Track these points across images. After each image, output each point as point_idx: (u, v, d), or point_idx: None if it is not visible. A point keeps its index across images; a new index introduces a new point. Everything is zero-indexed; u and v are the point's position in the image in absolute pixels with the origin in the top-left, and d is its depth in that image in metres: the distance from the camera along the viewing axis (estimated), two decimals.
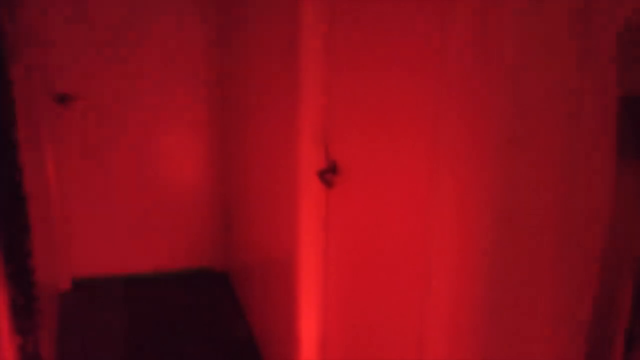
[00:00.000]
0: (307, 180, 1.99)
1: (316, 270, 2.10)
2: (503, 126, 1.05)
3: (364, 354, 1.80)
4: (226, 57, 3.31)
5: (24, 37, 2.76)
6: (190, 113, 3.53)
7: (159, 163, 3.57)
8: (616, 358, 0.88)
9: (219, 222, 3.69)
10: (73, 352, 2.93)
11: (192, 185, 3.65)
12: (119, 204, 3.56)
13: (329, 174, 1.87)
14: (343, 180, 1.84)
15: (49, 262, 2.93)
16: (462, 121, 1.14)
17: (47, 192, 3.21)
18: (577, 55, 0.91)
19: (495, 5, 1.04)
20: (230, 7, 3.15)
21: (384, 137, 1.54)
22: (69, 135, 3.37)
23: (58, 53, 3.25)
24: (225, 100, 3.41)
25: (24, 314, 1.95)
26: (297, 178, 2.04)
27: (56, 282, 3.34)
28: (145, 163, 3.54)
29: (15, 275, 1.91)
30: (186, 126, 3.55)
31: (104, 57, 3.33)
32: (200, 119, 3.54)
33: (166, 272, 3.71)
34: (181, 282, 3.66)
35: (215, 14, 3.37)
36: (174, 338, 3.09)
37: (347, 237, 1.88)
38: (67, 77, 3.29)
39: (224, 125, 3.49)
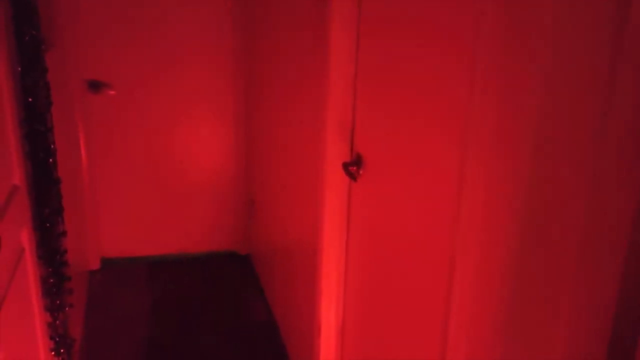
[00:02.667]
0: (332, 173, 1.99)
1: (338, 260, 2.12)
2: (533, 127, 1.04)
3: (382, 343, 1.81)
4: (254, 49, 3.32)
5: (60, 25, 2.82)
6: (217, 102, 3.57)
7: (186, 151, 3.62)
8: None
9: (242, 207, 3.74)
10: (99, 328, 3.01)
11: (217, 172, 3.70)
12: (147, 189, 3.63)
13: (353, 166, 1.88)
14: (367, 174, 1.85)
15: (79, 242, 3.00)
16: (494, 120, 1.13)
17: (79, 175, 3.28)
18: (609, 59, 0.91)
19: (526, 5, 1.04)
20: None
21: (409, 133, 1.54)
22: (99, 121, 3.43)
23: (92, 42, 3.30)
24: (251, 90, 3.43)
25: (54, 292, 2.01)
26: (322, 170, 2.05)
27: (86, 262, 3.43)
28: (172, 150, 3.60)
29: (47, 255, 1.97)
30: (213, 115, 3.59)
31: (136, 47, 3.38)
32: (226, 108, 3.58)
33: (190, 254, 3.78)
34: (205, 263, 3.72)
35: (244, 6, 3.38)
36: (196, 317, 3.15)
37: (370, 228, 1.89)
38: (100, 65, 3.34)
39: (249, 115, 3.52)
